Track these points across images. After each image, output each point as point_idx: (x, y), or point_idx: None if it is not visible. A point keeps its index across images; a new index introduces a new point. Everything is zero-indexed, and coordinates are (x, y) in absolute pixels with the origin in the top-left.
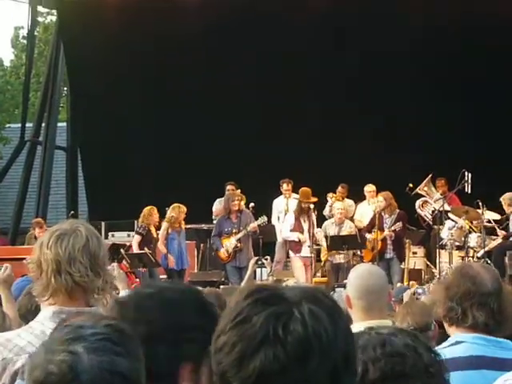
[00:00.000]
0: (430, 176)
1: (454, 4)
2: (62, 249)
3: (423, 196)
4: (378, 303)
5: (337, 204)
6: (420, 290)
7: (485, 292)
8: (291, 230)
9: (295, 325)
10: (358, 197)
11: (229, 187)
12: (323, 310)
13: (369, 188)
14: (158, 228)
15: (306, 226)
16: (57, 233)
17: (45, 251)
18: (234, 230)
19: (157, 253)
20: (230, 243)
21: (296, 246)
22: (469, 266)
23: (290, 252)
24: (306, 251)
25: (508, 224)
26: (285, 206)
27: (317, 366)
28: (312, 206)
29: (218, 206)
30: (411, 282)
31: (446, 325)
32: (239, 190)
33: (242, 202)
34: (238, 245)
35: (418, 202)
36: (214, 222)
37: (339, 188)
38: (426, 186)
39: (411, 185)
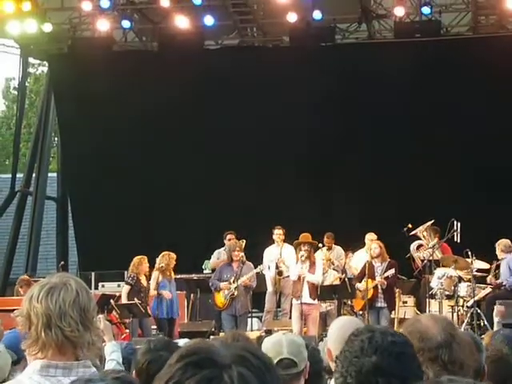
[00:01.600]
0: (431, 222)
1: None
2: (52, 303)
3: (418, 239)
4: None
5: (319, 254)
6: None
7: (433, 346)
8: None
9: None
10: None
11: (229, 236)
12: (252, 371)
13: (371, 236)
14: (149, 278)
15: (306, 273)
16: (47, 286)
17: (35, 305)
18: (232, 278)
19: (148, 302)
20: (228, 290)
21: (297, 292)
22: (417, 321)
23: (293, 299)
24: (306, 298)
25: (498, 272)
26: (278, 255)
27: None
28: (305, 252)
29: (214, 259)
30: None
31: None
32: (244, 241)
33: (241, 254)
34: (235, 292)
35: (413, 245)
36: (205, 271)
37: (325, 238)
38: (426, 231)
39: (410, 225)
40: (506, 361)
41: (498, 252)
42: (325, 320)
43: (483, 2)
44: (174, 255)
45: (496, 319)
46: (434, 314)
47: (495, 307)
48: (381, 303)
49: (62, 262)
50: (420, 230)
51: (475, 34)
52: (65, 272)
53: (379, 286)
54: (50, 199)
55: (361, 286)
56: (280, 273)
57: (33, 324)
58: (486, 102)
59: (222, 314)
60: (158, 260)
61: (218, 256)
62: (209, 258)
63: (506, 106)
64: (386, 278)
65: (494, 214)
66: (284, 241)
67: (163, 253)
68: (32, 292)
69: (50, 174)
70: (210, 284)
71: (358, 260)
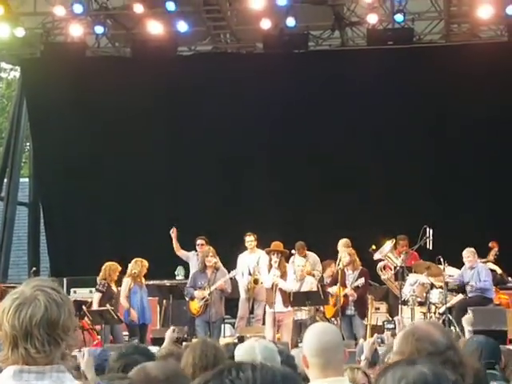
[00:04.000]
0: (392, 243)
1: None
2: (19, 322)
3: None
4: (334, 360)
5: (297, 260)
6: (379, 340)
7: (443, 349)
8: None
9: None
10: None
11: (198, 242)
12: None
13: (343, 243)
14: (118, 283)
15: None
16: (16, 302)
17: (4, 322)
18: (206, 285)
19: (119, 309)
20: (202, 297)
21: (270, 299)
22: (418, 328)
23: (266, 307)
24: (279, 307)
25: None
26: (254, 263)
27: None
28: (276, 258)
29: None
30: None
31: None
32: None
33: (214, 260)
34: (209, 299)
35: (379, 266)
36: (178, 277)
37: (298, 249)
38: (390, 253)
39: (374, 247)
40: (479, 377)
41: (471, 258)
42: (300, 328)
43: (456, 10)
44: (145, 262)
45: (468, 328)
46: (427, 320)
47: (465, 315)
48: (351, 311)
49: (34, 268)
50: (383, 255)
51: (448, 42)
52: (40, 278)
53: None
54: (21, 205)
55: (332, 290)
56: (256, 281)
57: (3, 340)
58: (458, 109)
59: (196, 321)
60: (130, 266)
61: (192, 257)
62: (181, 265)
63: (478, 113)
64: (356, 288)
65: (466, 220)
66: (257, 246)
67: (135, 259)
68: (4, 305)
69: (21, 180)
70: (185, 293)
71: None
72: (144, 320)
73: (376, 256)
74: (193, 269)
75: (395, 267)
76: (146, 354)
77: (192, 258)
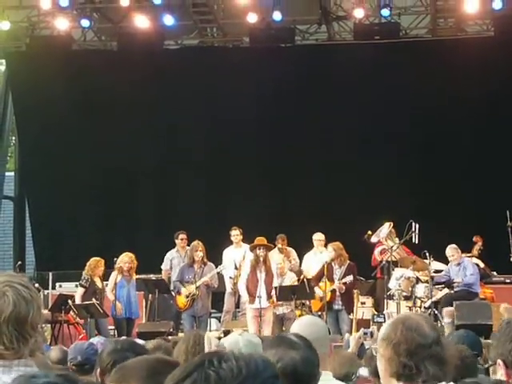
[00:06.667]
0: (390, 226)
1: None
2: None
3: (381, 244)
4: (319, 354)
5: (275, 258)
6: (367, 334)
7: (430, 343)
8: (246, 283)
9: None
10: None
11: (180, 236)
12: None
13: (317, 236)
14: (104, 279)
15: (262, 276)
16: None
17: None
18: (194, 279)
19: (104, 303)
20: (189, 290)
21: (250, 296)
22: (409, 318)
23: (247, 304)
24: (259, 303)
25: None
26: (239, 257)
27: None
28: (262, 253)
29: (166, 266)
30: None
31: (394, 382)
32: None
33: (201, 254)
34: (196, 292)
35: (377, 251)
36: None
37: (278, 240)
38: (389, 235)
39: (370, 232)
40: (467, 365)
41: (455, 256)
42: (282, 323)
43: (442, 4)
44: (133, 256)
45: (447, 320)
46: (417, 312)
47: (444, 309)
48: (338, 305)
49: (19, 262)
50: (384, 238)
51: (434, 37)
52: (10, 273)
53: (337, 290)
54: (7, 198)
55: (320, 292)
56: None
57: None
58: (443, 103)
59: (183, 315)
60: (118, 260)
61: (172, 257)
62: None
63: (463, 107)
64: (345, 284)
65: (450, 215)
66: (242, 241)
67: (125, 253)
68: None
69: (7, 174)
70: (173, 287)
71: (308, 263)
72: (130, 314)
73: (373, 239)
74: (176, 267)
75: (392, 248)
76: (140, 352)
77: (174, 257)
